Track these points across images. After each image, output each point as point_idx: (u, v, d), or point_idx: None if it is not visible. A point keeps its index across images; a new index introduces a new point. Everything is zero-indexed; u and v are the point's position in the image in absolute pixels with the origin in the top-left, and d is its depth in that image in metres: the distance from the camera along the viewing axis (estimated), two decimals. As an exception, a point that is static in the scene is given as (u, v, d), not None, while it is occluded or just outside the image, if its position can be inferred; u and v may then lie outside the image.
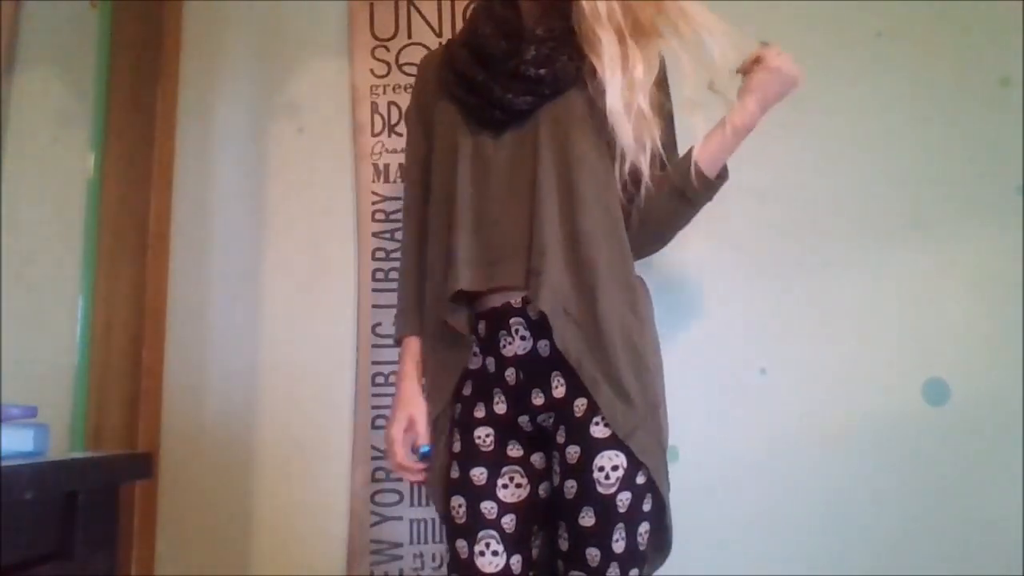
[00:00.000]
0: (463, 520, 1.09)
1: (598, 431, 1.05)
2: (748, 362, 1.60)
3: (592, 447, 1.05)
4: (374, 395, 1.61)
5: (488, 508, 1.08)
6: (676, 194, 1.17)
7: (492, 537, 1.07)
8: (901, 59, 1.68)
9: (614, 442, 1.05)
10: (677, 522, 1.55)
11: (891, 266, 1.63)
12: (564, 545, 1.07)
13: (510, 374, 1.11)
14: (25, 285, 1.62)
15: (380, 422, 1.60)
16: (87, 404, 1.57)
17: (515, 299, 1.10)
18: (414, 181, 1.27)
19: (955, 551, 1.52)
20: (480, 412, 1.13)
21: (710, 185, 1.17)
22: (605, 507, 1.04)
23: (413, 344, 1.22)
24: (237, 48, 1.77)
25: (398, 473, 1.19)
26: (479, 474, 1.10)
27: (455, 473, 1.12)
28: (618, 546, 1.04)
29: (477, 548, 1.07)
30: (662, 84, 1.20)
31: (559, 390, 1.09)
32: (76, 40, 1.72)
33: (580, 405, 1.07)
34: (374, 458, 1.59)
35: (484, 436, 1.12)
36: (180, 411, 1.64)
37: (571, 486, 1.06)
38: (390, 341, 1.62)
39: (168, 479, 1.61)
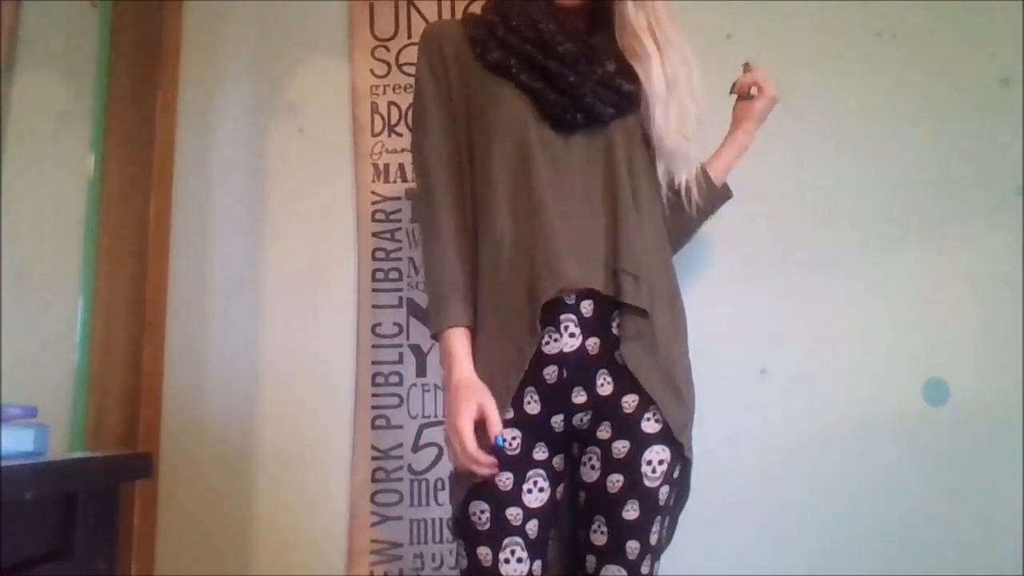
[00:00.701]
0: (486, 527, 1.06)
1: (649, 427, 1.08)
2: (748, 362, 1.60)
3: (643, 442, 1.07)
4: (374, 395, 1.61)
5: (514, 515, 1.07)
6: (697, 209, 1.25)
7: (517, 544, 1.06)
8: (901, 59, 1.68)
9: (662, 437, 1.08)
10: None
11: (891, 266, 1.63)
12: (601, 540, 1.07)
13: (550, 372, 1.09)
14: (25, 285, 1.62)
15: (380, 422, 1.60)
16: (87, 404, 1.57)
17: (570, 296, 1.09)
18: (447, 166, 1.18)
19: (955, 551, 1.52)
20: (508, 413, 1.08)
21: (721, 201, 1.33)
22: (649, 500, 1.06)
23: (463, 337, 1.11)
24: (237, 48, 1.77)
25: (467, 467, 1.06)
26: (505, 479, 1.07)
27: (477, 477, 1.07)
28: (653, 539, 1.08)
29: (502, 556, 1.06)
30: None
31: (605, 388, 1.09)
32: (76, 40, 1.72)
33: (630, 401, 1.08)
34: (374, 458, 1.59)
35: (511, 439, 1.08)
36: (180, 411, 1.64)
37: (617, 480, 1.07)
38: (390, 341, 1.63)
39: (168, 479, 1.61)
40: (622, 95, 1.14)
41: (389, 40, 1.74)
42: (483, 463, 1.05)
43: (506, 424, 1.07)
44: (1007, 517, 1.53)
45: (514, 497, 1.07)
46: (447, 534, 1.55)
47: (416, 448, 1.59)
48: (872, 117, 1.67)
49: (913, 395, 1.58)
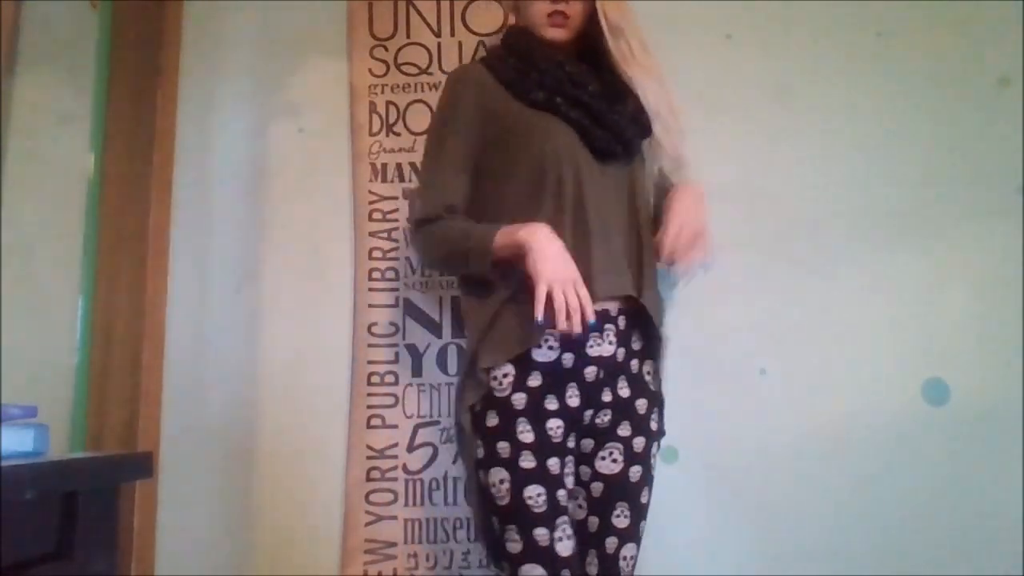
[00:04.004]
0: (543, 509, 1.14)
1: (653, 426, 1.30)
2: (748, 362, 1.60)
3: (651, 438, 1.28)
4: (369, 394, 1.61)
5: (562, 496, 1.18)
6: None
7: (566, 523, 1.16)
8: (901, 59, 1.68)
9: (659, 435, 1.31)
10: (675, 521, 1.56)
11: (891, 266, 1.62)
12: (624, 523, 1.23)
13: (591, 371, 1.23)
14: (25, 285, 1.62)
15: (375, 421, 1.60)
16: (87, 404, 1.57)
17: (613, 308, 1.25)
18: (456, 205, 1.28)
19: (955, 551, 1.52)
20: (552, 404, 1.20)
21: None
22: (651, 486, 1.28)
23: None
24: (237, 48, 1.77)
25: (561, 308, 1.12)
26: (554, 464, 1.18)
27: (530, 463, 1.16)
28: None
29: (556, 535, 1.14)
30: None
31: (624, 391, 1.27)
32: (76, 40, 1.72)
33: (642, 404, 1.28)
34: (369, 457, 1.59)
35: (555, 428, 1.20)
36: (180, 411, 1.64)
37: (637, 471, 1.25)
38: (386, 341, 1.63)
39: (168, 479, 1.61)
40: (644, 128, 1.31)
41: (388, 39, 1.73)
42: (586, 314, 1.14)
43: (550, 414, 1.20)
44: (1007, 517, 1.53)
45: (561, 481, 1.19)
46: (441, 534, 1.56)
47: (411, 448, 1.59)
48: (872, 117, 1.66)
49: (913, 395, 1.58)
